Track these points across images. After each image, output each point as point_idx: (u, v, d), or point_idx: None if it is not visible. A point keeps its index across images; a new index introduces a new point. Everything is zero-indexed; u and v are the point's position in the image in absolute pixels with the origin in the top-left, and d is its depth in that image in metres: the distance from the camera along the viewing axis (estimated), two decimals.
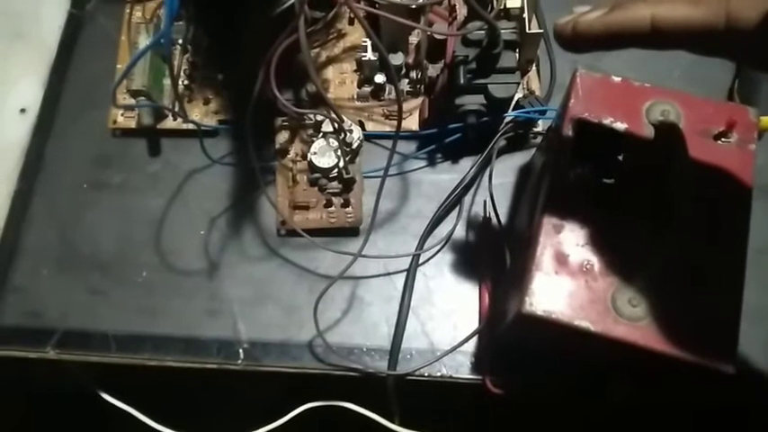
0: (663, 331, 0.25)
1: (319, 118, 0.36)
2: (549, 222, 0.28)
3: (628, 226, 0.27)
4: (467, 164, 0.40)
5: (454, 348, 0.35)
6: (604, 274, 0.27)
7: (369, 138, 0.40)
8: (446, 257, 0.38)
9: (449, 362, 0.35)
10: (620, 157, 0.29)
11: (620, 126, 0.29)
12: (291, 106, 0.33)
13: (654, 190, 0.28)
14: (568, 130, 0.30)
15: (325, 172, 0.36)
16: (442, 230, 0.38)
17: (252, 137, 0.32)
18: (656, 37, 0.20)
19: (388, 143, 0.40)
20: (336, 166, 0.36)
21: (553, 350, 0.32)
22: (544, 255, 0.27)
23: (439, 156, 0.40)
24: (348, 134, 0.35)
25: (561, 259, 0.27)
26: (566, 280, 0.27)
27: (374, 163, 0.40)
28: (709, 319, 0.26)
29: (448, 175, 0.40)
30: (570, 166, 0.29)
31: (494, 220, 0.37)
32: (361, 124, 0.40)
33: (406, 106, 0.40)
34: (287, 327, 0.36)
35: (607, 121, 0.29)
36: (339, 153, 0.36)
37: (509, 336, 0.32)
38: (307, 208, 0.37)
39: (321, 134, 0.36)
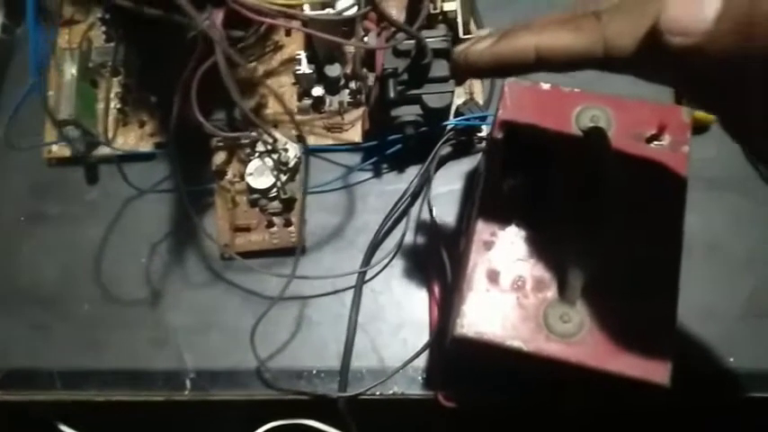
0: (596, 346, 0.25)
1: (255, 135, 0.35)
2: (480, 240, 0.27)
3: (560, 238, 0.27)
4: (413, 172, 0.39)
5: (405, 365, 0.35)
6: (536, 290, 0.26)
7: (312, 152, 0.39)
8: (394, 271, 0.37)
9: (400, 379, 0.35)
10: (552, 167, 0.28)
11: (550, 134, 0.29)
12: (216, 129, 0.32)
13: (585, 199, 0.27)
14: (499, 142, 0.29)
15: (264, 192, 0.35)
16: (390, 243, 0.38)
17: (182, 159, 0.31)
18: (543, 65, 0.21)
19: (332, 156, 0.40)
20: (275, 185, 0.35)
21: (500, 364, 0.32)
22: (476, 273, 0.27)
23: (384, 166, 0.40)
24: (283, 153, 0.34)
25: (493, 277, 0.26)
26: (498, 298, 0.26)
27: (318, 177, 0.39)
28: (643, 330, 0.25)
29: (394, 186, 0.39)
30: (502, 178, 0.28)
31: (438, 229, 0.37)
32: (303, 138, 0.39)
33: (347, 117, 0.39)
34: (233, 353, 0.35)
35: (537, 130, 0.29)
36: (276, 172, 0.35)
37: (455, 351, 0.32)
38: (248, 230, 0.36)
39: (256, 154, 0.35)
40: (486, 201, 0.28)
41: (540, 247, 0.27)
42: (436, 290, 0.36)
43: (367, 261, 0.37)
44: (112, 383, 0.36)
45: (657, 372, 0.25)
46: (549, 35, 0.20)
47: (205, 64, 0.29)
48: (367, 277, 0.37)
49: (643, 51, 0.18)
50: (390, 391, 0.35)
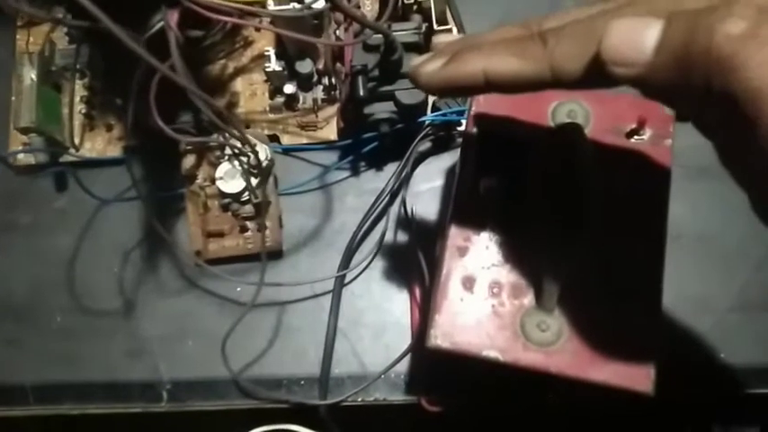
0: (575, 355, 0.24)
1: (222, 139, 0.34)
2: (453, 245, 0.26)
3: (537, 242, 0.25)
4: (392, 170, 0.37)
5: (387, 369, 0.34)
6: (512, 297, 0.25)
7: (286, 151, 0.38)
8: (374, 273, 0.36)
9: (382, 384, 0.34)
10: (528, 165, 0.27)
11: (525, 130, 0.27)
12: (181, 133, 0.31)
13: (563, 199, 0.26)
14: (472, 139, 0.28)
15: (236, 196, 0.34)
16: (370, 244, 0.37)
17: (153, 163, 0.30)
18: (494, 89, 0.20)
19: (308, 156, 0.38)
20: (246, 189, 0.34)
21: (481, 370, 0.31)
22: (449, 281, 0.25)
23: (362, 165, 0.38)
24: (253, 155, 0.33)
25: (468, 284, 0.25)
26: (473, 306, 0.25)
27: (293, 178, 0.37)
28: (625, 336, 0.24)
29: (372, 185, 0.37)
30: (476, 178, 0.27)
31: (418, 229, 0.36)
32: (277, 138, 0.38)
33: (321, 115, 0.38)
34: (211, 362, 0.34)
35: (511, 126, 0.27)
36: (247, 175, 0.33)
37: (437, 356, 0.31)
38: (222, 235, 0.35)
39: (226, 157, 0.34)
40: (459, 203, 0.27)
41: (517, 251, 0.26)
42: (417, 291, 0.35)
43: (346, 264, 0.36)
44: (87, 396, 0.35)
45: (640, 380, 0.24)
46: (497, 60, 0.20)
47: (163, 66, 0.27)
48: (346, 280, 0.36)
49: (592, 75, 0.18)
50: (372, 398, 0.34)
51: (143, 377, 0.35)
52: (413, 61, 0.22)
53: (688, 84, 0.16)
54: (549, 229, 0.25)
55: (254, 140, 0.34)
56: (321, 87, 0.38)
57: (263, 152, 0.34)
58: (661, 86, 0.17)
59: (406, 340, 0.35)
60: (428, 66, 0.21)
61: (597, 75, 0.18)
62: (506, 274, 0.25)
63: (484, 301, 0.25)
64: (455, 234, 0.26)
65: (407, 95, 0.32)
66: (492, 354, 0.24)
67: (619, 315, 0.24)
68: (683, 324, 0.34)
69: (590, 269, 0.25)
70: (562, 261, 0.25)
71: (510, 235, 0.26)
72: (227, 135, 0.32)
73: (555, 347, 0.24)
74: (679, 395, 0.32)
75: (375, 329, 0.35)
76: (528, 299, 0.25)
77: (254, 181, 0.34)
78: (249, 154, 0.33)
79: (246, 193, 0.34)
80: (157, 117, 0.29)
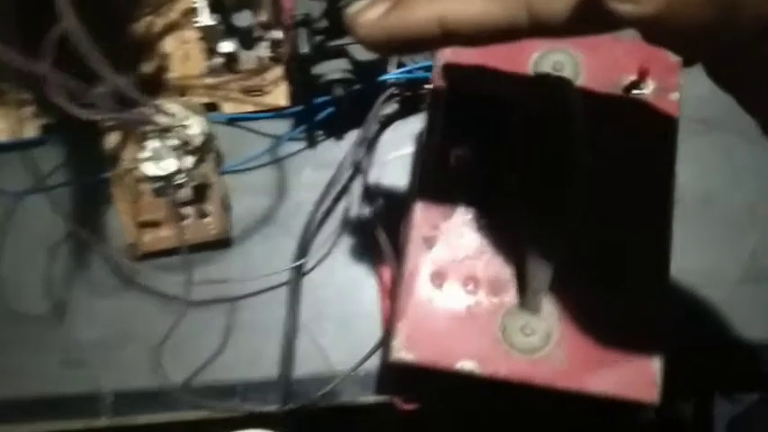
0: (566, 363, 0.20)
1: (144, 112, 0.28)
2: (419, 234, 0.21)
3: (519, 224, 0.21)
4: (353, 138, 0.32)
5: (356, 367, 0.30)
6: (491, 295, 0.21)
7: (231, 122, 0.33)
8: (337, 258, 0.32)
9: (351, 384, 0.30)
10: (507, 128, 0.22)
11: (502, 88, 0.22)
12: (92, 108, 0.25)
13: (550, 170, 0.21)
14: (439, 103, 0.23)
15: (168, 179, 0.29)
16: (331, 225, 0.32)
17: (77, 144, 0.25)
18: (453, 40, 0.15)
19: (255, 125, 0.33)
20: (180, 170, 0.29)
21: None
22: (416, 278, 0.21)
23: (319, 133, 0.33)
24: (183, 130, 0.28)
25: (438, 281, 0.21)
26: (444, 308, 0.21)
27: (240, 152, 0.33)
28: (626, 336, 0.20)
29: (332, 156, 0.32)
30: (445, 149, 0.22)
31: (385, 205, 0.31)
32: (217, 106, 0.33)
33: (268, 77, 0.33)
34: (156, 369, 0.30)
35: (486, 84, 0.23)
36: (179, 154, 0.28)
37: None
38: (157, 224, 0.31)
39: (153, 134, 0.29)
40: (426, 181, 0.22)
41: (496, 238, 0.21)
42: (387, 276, 0.31)
43: (304, 249, 0.31)
44: (22, 413, 0.31)
45: (645, 388, 0.20)
46: (456, 3, 0.15)
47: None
48: (306, 268, 0.31)
49: (584, 17, 0.13)
50: (340, 400, 0.30)
51: (81, 389, 0.31)
52: (350, 8, 0.17)
53: (731, 22, 0.11)
54: (534, 209, 0.21)
55: (185, 112, 0.28)
56: (265, 44, 0.32)
57: (198, 125, 0.29)
58: (687, 28, 0.12)
59: (376, 333, 0.31)
60: (367, 14, 0.16)
61: (591, 16, 0.13)
62: (483, 268, 0.21)
63: (457, 300, 0.21)
64: (421, 220, 0.21)
65: (363, 50, 0.27)
66: (467, 365, 0.20)
67: (618, 311, 0.20)
68: (687, 299, 0.31)
69: (583, 256, 0.21)
70: (550, 248, 0.20)
71: (487, 218, 0.22)
72: (151, 106, 0.27)
73: (542, 354, 0.20)
74: (685, 381, 0.29)
75: (341, 323, 0.31)
76: (510, 296, 0.21)
77: (189, 160, 0.29)
78: (178, 129, 0.28)
79: (181, 176, 0.29)
80: (55, 90, 0.24)
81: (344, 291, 0.31)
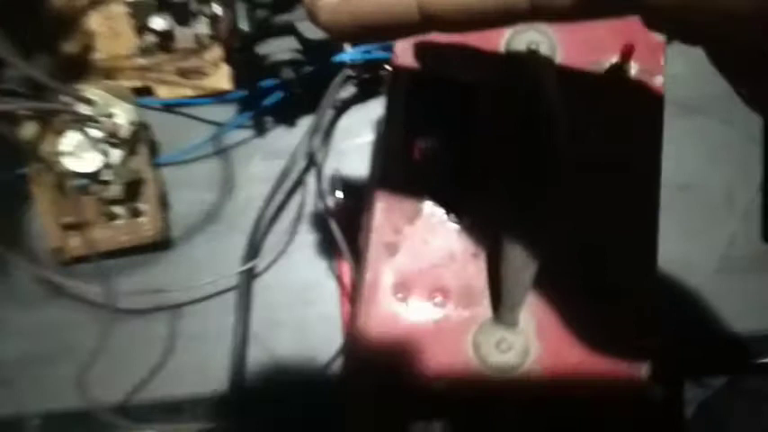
0: (547, 380, 0.18)
1: (61, 101, 0.25)
2: (380, 241, 0.19)
3: (492, 225, 0.19)
4: (307, 125, 0.29)
5: (314, 377, 0.27)
6: (462, 307, 0.18)
7: (168, 107, 0.30)
8: (292, 258, 0.29)
9: (309, 398, 0.28)
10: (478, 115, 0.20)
11: (471, 69, 0.20)
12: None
13: (526, 162, 0.19)
14: (400, 85, 0.20)
15: (93, 176, 0.26)
16: (285, 221, 0.29)
17: None
18: (435, 26, 0.13)
19: (196, 111, 0.30)
20: (107, 165, 0.25)
21: None
22: (376, 290, 0.18)
23: (268, 120, 0.30)
24: (108, 119, 0.24)
25: (401, 292, 0.18)
26: (409, 323, 0.18)
27: (179, 142, 0.29)
28: (610, 349, 0.18)
29: (283, 145, 0.30)
30: (408, 140, 0.20)
31: (344, 197, 0.28)
32: (150, 90, 0.29)
33: (208, 57, 0.29)
34: (89, 387, 0.27)
35: (453, 64, 0.20)
36: (104, 147, 0.25)
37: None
38: (84, 226, 0.27)
39: (75, 125, 0.25)
40: (387, 179, 0.19)
41: (466, 242, 0.19)
42: (347, 279, 0.28)
43: (254, 249, 0.28)
44: None
45: (632, 396, 0.18)
46: None
47: None
48: (257, 270, 0.28)
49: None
50: (297, 413, 0.27)
51: (4, 412, 0.27)
52: None
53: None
54: (510, 208, 0.18)
55: (111, 100, 0.25)
56: (204, 20, 0.29)
57: (126, 114, 0.25)
58: (718, 17, 0.10)
59: (336, 339, 0.28)
60: None
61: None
62: (452, 277, 0.19)
63: (423, 314, 0.18)
64: (382, 224, 0.19)
65: (313, 28, 0.24)
66: (436, 387, 0.18)
67: (603, 320, 0.18)
68: (665, 289, 0.29)
69: (566, 259, 0.19)
70: (529, 252, 0.18)
71: (457, 220, 0.19)
72: (68, 93, 0.23)
73: (520, 372, 0.18)
74: (669, 373, 0.27)
75: (296, 329, 0.28)
76: (483, 308, 0.18)
77: (116, 154, 0.25)
78: (101, 119, 0.24)
79: (108, 171, 0.25)
80: None
81: (300, 294, 0.29)
